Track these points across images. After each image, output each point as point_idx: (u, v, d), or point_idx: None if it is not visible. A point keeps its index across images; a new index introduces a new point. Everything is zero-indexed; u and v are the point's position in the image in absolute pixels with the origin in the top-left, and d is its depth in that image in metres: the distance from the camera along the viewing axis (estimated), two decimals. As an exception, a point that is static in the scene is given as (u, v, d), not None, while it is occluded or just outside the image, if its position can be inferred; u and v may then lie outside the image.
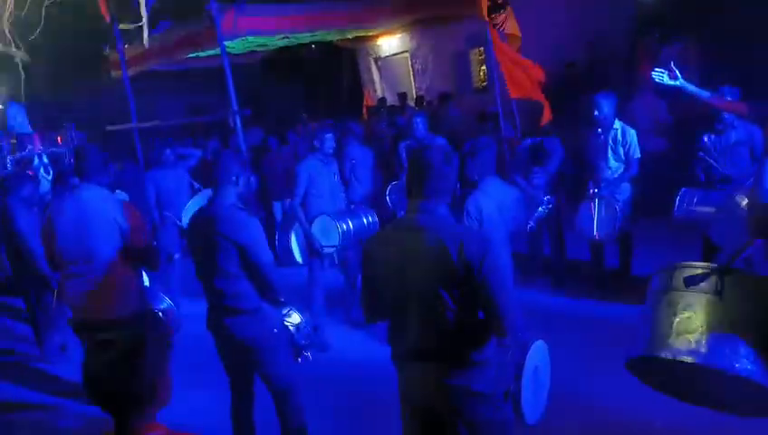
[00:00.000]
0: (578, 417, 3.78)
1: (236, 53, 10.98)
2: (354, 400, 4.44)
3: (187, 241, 3.48)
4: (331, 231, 5.32)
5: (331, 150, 5.52)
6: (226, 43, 8.43)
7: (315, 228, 5.39)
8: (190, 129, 14.99)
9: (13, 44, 10.52)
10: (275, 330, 3.32)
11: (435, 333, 2.39)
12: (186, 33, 9.16)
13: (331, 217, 5.32)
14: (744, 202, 4.58)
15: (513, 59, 7.42)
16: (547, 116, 6.93)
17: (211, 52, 8.99)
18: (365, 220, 5.59)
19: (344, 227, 5.33)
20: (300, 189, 5.40)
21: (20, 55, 10.82)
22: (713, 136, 5.18)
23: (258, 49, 11.86)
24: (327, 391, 4.46)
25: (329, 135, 5.50)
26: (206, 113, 12.67)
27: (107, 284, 3.49)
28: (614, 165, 5.51)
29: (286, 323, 3.93)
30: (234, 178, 3.27)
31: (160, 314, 3.88)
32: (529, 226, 5.84)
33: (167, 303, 3.95)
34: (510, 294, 2.39)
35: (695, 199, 5.01)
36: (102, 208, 3.47)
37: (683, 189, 5.12)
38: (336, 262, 5.70)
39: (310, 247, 5.46)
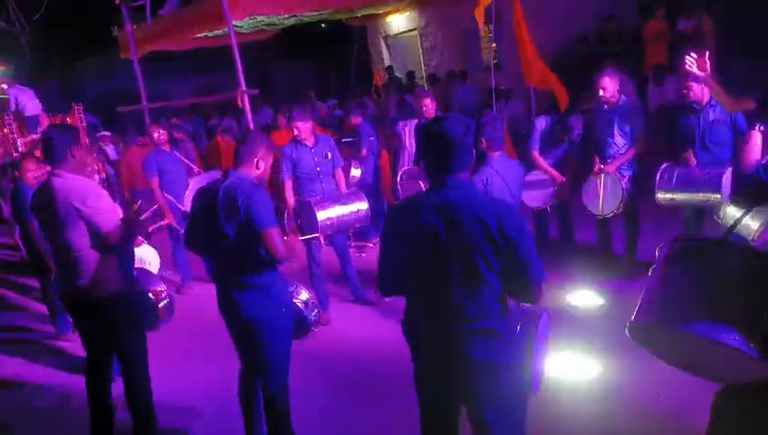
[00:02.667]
0: (577, 393, 3.84)
1: (245, 32, 10.95)
2: (354, 375, 4.51)
3: (193, 216, 3.46)
4: (312, 219, 5.28)
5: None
6: (234, 22, 8.41)
7: (302, 214, 5.43)
8: (200, 108, 15.00)
9: (17, 24, 10.57)
10: (283, 309, 3.34)
11: (468, 307, 2.40)
12: (194, 13, 9.14)
13: (313, 205, 5.27)
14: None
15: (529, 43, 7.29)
16: (564, 103, 6.83)
17: (219, 31, 8.97)
18: (353, 209, 5.45)
19: (324, 216, 5.26)
20: (284, 173, 5.48)
21: (23, 34, 10.88)
22: (691, 116, 5.15)
23: (267, 28, 11.82)
24: (328, 367, 4.55)
25: (300, 124, 5.43)
26: (215, 93, 12.66)
27: (81, 268, 3.52)
28: (620, 141, 5.48)
29: (295, 301, 4.00)
30: (255, 159, 3.26)
31: (151, 295, 3.86)
32: (542, 205, 5.91)
33: (161, 286, 3.92)
34: (540, 265, 2.42)
35: (674, 177, 5.01)
36: (65, 197, 3.43)
37: (662, 166, 5.11)
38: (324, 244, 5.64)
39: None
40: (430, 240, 2.40)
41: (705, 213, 5.07)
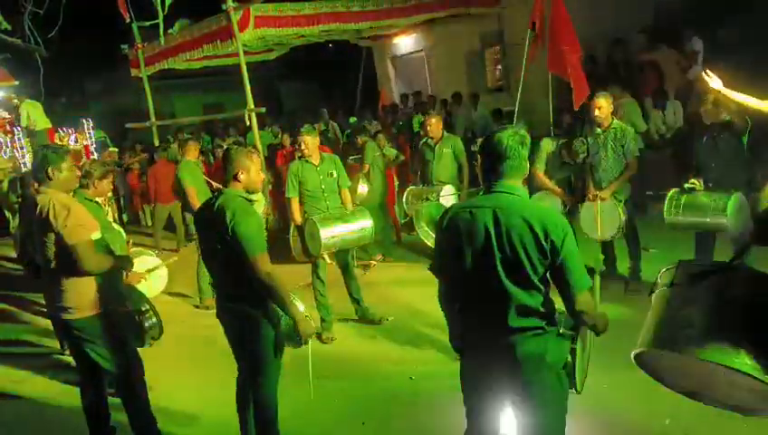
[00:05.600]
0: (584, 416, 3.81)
1: (253, 51, 11.08)
2: (355, 395, 4.50)
3: (196, 231, 3.67)
4: (316, 236, 5.33)
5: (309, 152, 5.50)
6: (243, 40, 8.53)
7: (307, 230, 5.47)
8: (208, 126, 15.13)
9: (32, 41, 10.75)
10: (275, 320, 3.43)
11: (516, 307, 2.49)
12: (203, 31, 9.27)
13: (317, 222, 5.31)
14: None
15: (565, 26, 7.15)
16: (581, 97, 6.66)
17: (228, 50, 9.08)
18: (356, 227, 5.50)
19: (327, 234, 5.30)
20: (289, 190, 5.54)
21: (38, 51, 11.03)
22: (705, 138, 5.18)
23: (275, 47, 11.96)
24: (329, 387, 4.53)
25: (308, 138, 5.49)
26: (221, 111, 12.78)
27: (59, 288, 3.59)
28: (614, 164, 5.52)
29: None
30: (239, 172, 3.42)
31: (136, 316, 3.95)
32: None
33: (146, 306, 4.02)
34: (583, 273, 2.50)
35: (682, 202, 5.01)
36: (41, 212, 3.50)
37: (671, 191, 5.12)
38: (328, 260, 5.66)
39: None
40: (481, 241, 2.51)
41: (716, 234, 5.07)
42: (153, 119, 11.15)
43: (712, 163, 5.09)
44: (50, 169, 3.57)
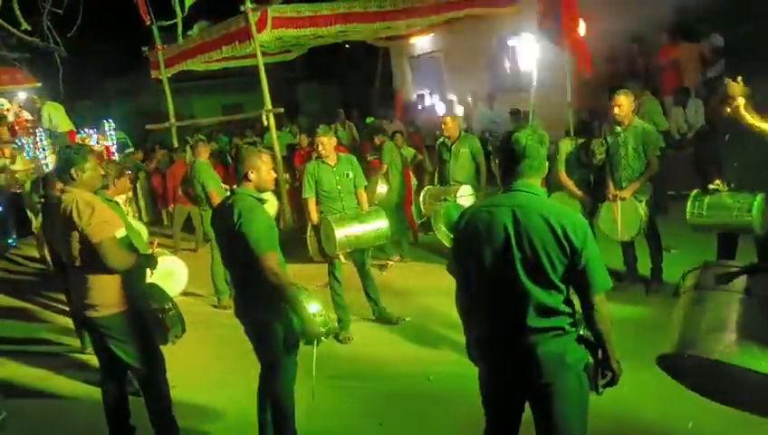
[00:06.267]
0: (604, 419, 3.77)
1: (271, 51, 11.13)
2: (371, 395, 4.48)
3: (213, 231, 3.77)
4: (331, 236, 5.32)
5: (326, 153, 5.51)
6: (261, 41, 8.57)
7: (322, 230, 5.47)
8: (226, 127, 15.23)
9: (51, 41, 10.90)
10: (287, 317, 3.46)
11: (536, 307, 2.47)
12: (221, 32, 9.33)
13: (332, 222, 5.31)
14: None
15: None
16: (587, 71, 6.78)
17: (247, 51, 9.13)
18: (372, 227, 5.50)
19: (342, 234, 5.30)
20: (305, 191, 5.55)
21: (58, 51, 11.18)
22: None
23: (292, 48, 12.00)
24: (345, 387, 4.54)
25: (324, 139, 5.50)
26: (240, 113, 12.87)
27: (84, 286, 3.65)
28: (635, 164, 5.44)
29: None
30: (249, 171, 3.47)
31: (160, 314, 3.99)
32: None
33: (169, 304, 4.06)
34: (603, 275, 2.46)
35: (705, 202, 4.92)
36: (65, 210, 3.56)
37: (694, 191, 5.03)
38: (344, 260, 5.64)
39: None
40: (500, 240, 2.49)
41: (738, 236, 4.98)
42: (173, 120, 11.26)
43: (735, 162, 5.00)
44: (73, 170, 3.63)
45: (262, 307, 3.46)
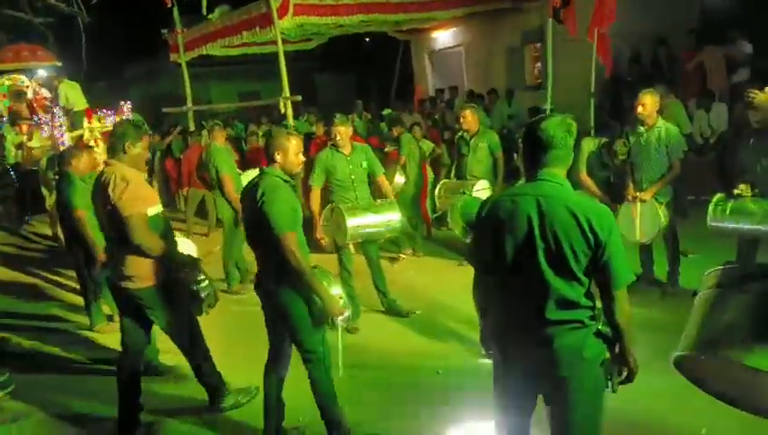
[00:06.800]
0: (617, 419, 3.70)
1: (291, 39, 11.10)
2: (380, 386, 4.45)
3: (242, 212, 3.76)
4: (342, 226, 5.26)
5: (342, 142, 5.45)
6: (281, 27, 8.54)
7: (333, 219, 5.40)
8: (242, 114, 15.23)
9: (75, 6, 10.96)
10: (308, 296, 3.46)
11: (557, 299, 2.41)
12: (242, 18, 9.30)
13: (344, 211, 5.25)
14: None
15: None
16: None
17: (267, 37, 9.10)
18: (384, 219, 5.44)
19: (354, 223, 5.23)
20: (313, 179, 5.50)
21: (81, 16, 11.24)
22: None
23: (313, 37, 11.96)
24: (352, 377, 4.45)
25: (341, 128, 5.45)
26: (258, 100, 12.87)
27: (119, 259, 3.77)
28: (656, 165, 5.34)
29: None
30: (276, 152, 3.49)
31: (193, 285, 4.06)
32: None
33: (202, 275, 4.11)
34: (626, 270, 2.41)
35: (729, 207, 4.82)
36: (103, 184, 3.67)
37: (717, 196, 4.92)
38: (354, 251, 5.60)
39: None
40: (523, 230, 2.42)
41: (759, 241, 4.89)
42: (190, 104, 11.25)
43: (759, 168, 4.90)
44: (127, 144, 3.71)
45: (281, 288, 3.46)
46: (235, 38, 9.68)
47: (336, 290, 3.60)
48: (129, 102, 10.33)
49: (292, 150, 3.53)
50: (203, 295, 4.08)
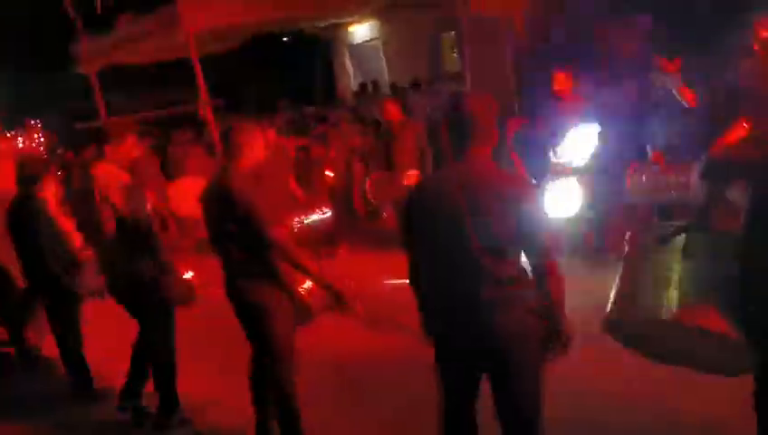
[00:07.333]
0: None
1: (206, 43, 10.81)
2: (325, 382, 4.43)
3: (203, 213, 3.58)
4: None
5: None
6: (193, 32, 8.30)
7: None
8: (162, 122, 14.75)
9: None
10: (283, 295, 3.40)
11: (491, 277, 2.42)
12: (150, 24, 8.98)
13: None
14: None
15: None
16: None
17: (178, 42, 8.82)
18: (316, 214, 5.37)
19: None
20: None
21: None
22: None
23: (228, 39, 11.69)
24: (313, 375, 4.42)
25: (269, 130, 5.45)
26: (177, 106, 12.50)
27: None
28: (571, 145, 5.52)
29: (299, 289, 3.92)
30: (248, 148, 3.37)
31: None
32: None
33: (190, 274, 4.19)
34: (553, 239, 2.48)
35: (643, 176, 5.03)
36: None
37: (633, 168, 5.14)
38: None
39: None
40: (451, 211, 2.42)
41: (674, 208, 5.11)
42: (104, 117, 10.82)
43: (668, 137, 5.14)
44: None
45: (262, 282, 3.38)
46: (144, 45, 9.35)
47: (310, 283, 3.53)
48: (37, 121, 9.84)
49: (256, 145, 3.43)
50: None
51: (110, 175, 4.00)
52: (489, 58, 8.13)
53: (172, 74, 17.51)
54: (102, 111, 10.83)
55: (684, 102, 4.97)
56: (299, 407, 3.51)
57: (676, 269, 2.42)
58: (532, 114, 6.38)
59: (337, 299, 3.43)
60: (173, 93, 19.70)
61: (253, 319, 3.44)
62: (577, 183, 5.49)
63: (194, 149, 9.39)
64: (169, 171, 9.27)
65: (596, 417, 3.52)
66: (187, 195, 6.76)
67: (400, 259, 2.79)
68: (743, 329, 2.30)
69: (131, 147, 5.11)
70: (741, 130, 2.42)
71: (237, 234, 3.30)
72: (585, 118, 5.52)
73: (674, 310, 2.38)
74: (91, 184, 4.17)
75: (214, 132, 8.58)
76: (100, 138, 10.99)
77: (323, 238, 6.51)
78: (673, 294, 2.38)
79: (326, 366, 4.63)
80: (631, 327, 2.66)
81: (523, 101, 8.38)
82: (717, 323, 2.27)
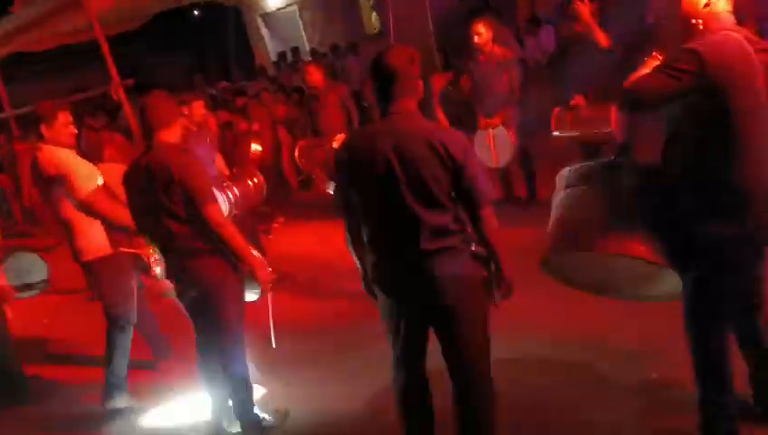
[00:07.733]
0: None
1: (111, 24, 10.26)
2: (293, 354, 4.31)
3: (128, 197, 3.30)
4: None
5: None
6: (96, 11, 7.85)
7: None
8: (75, 108, 14.01)
9: None
10: (232, 272, 3.23)
11: (428, 229, 2.44)
12: (49, 7, 8.43)
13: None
14: None
15: None
16: None
17: (82, 25, 8.34)
18: (247, 182, 5.26)
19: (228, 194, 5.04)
20: None
21: None
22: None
23: (134, 18, 11.16)
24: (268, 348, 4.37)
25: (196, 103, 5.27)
26: (88, 90, 11.86)
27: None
28: (500, 91, 5.57)
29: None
30: (169, 119, 3.17)
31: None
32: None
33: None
34: (488, 187, 2.51)
35: (568, 118, 5.15)
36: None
37: (556, 111, 5.23)
38: None
39: None
40: (384, 167, 2.42)
41: (601, 147, 5.26)
42: (8, 109, 10.19)
43: (591, 80, 5.24)
44: None
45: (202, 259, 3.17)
46: (45, 29, 8.78)
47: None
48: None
49: (174, 118, 3.23)
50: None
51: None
52: (410, 15, 8.05)
53: (77, 60, 16.67)
54: (6, 103, 10.17)
55: (599, 44, 5.07)
56: (251, 383, 3.44)
57: (598, 202, 2.51)
58: (455, 69, 6.40)
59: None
60: (78, 79, 18.75)
61: (207, 295, 3.21)
62: (505, 133, 5.55)
63: (110, 135, 8.97)
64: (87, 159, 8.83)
65: (535, 353, 3.67)
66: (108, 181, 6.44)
67: (338, 226, 2.77)
68: (665, 252, 2.42)
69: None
70: (654, 61, 2.48)
71: (179, 209, 3.07)
72: (506, 68, 5.55)
73: (599, 240, 2.48)
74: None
75: (128, 113, 8.21)
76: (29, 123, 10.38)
77: (258, 214, 6.41)
78: (595, 226, 2.48)
79: (280, 337, 4.57)
80: (563, 263, 2.75)
81: (446, 57, 8.39)
82: (639, 248, 2.39)
